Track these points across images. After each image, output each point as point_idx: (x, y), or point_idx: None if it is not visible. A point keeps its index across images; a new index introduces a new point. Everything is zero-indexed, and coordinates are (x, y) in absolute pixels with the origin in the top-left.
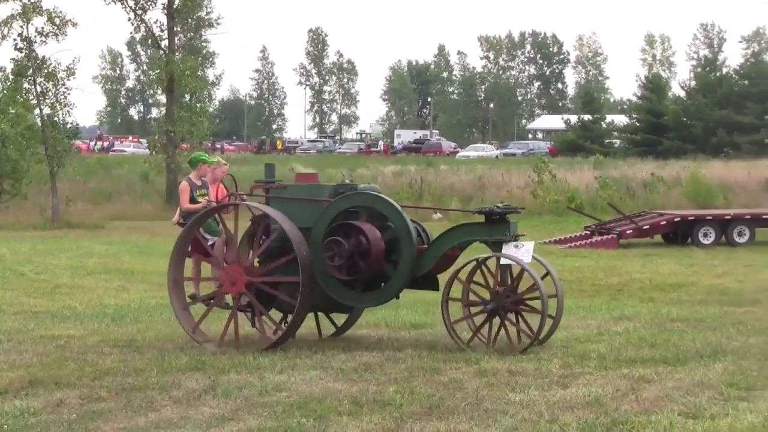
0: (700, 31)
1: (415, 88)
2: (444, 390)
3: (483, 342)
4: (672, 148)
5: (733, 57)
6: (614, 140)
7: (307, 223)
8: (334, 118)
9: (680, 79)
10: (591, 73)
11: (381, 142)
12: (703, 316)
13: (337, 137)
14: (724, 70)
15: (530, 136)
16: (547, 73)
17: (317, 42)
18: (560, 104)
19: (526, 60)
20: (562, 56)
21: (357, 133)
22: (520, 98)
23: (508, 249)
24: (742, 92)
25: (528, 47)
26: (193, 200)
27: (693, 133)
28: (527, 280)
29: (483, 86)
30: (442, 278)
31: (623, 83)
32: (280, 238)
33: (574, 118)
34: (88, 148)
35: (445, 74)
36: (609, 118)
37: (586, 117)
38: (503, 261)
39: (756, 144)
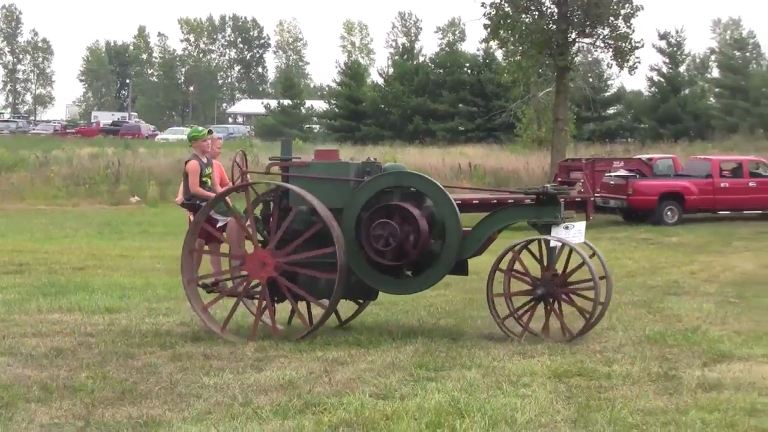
0: (398, 19)
1: (114, 70)
2: (138, 374)
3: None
4: (370, 134)
5: (429, 46)
6: (314, 125)
7: (335, 204)
8: (29, 98)
9: (379, 67)
10: (291, 58)
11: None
12: (395, 299)
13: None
14: (421, 59)
15: (230, 120)
16: (248, 57)
17: (11, 19)
18: (261, 89)
19: (226, 43)
20: (262, 41)
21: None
22: (220, 82)
23: (557, 231)
24: (438, 81)
25: (229, 31)
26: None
27: (390, 119)
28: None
29: (183, 69)
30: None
31: (323, 69)
32: (303, 220)
33: (274, 103)
34: None
35: (144, 56)
36: (309, 103)
37: (286, 102)
38: (552, 243)
39: (450, 131)
